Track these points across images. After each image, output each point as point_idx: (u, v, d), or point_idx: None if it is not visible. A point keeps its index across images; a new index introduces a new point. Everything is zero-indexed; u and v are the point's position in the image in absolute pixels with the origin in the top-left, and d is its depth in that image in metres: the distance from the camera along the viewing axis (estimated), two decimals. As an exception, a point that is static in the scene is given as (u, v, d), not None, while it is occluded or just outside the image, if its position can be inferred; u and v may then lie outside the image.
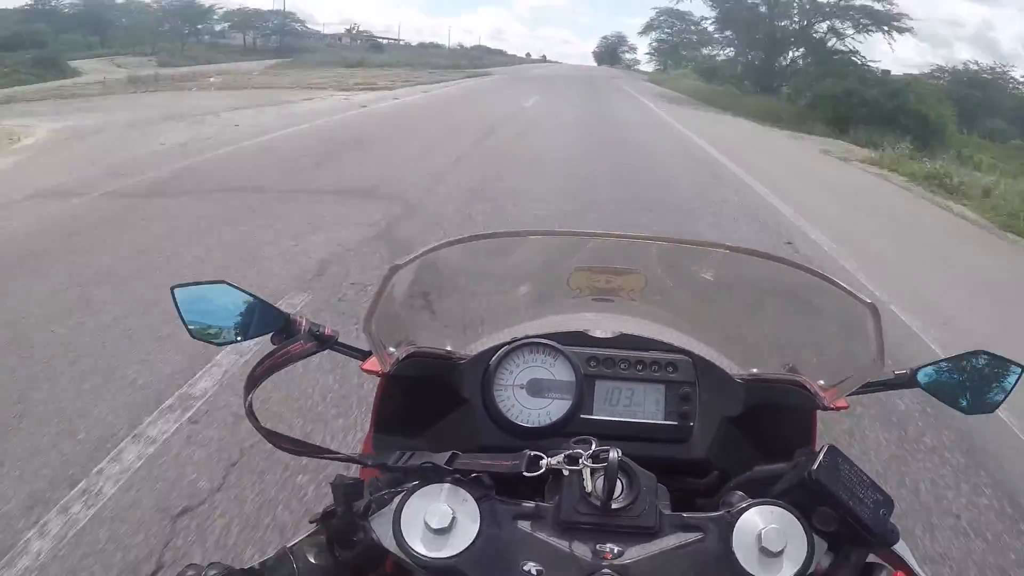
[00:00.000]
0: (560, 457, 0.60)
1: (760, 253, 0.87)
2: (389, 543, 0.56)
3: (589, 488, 0.58)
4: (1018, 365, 0.83)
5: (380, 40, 73.43)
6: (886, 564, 0.61)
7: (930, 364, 0.84)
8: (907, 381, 0.84)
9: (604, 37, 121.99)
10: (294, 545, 0.60)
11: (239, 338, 0.79)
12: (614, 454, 0.58)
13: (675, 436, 0.81)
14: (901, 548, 0.63)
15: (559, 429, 0.78)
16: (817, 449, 0.61)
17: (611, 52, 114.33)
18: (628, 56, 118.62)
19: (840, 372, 0.81)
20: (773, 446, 0.80)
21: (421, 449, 0.65)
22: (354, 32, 76.88)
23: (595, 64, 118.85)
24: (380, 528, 0.58)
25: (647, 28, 41.44)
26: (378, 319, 0.78)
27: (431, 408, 0.84)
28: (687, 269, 0.96)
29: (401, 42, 78.06)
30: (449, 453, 0.61)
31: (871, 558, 0.61)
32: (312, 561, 0.59)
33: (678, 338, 0.89)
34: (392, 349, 0.81)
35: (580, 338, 0.86)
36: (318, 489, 1.96)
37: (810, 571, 0.56)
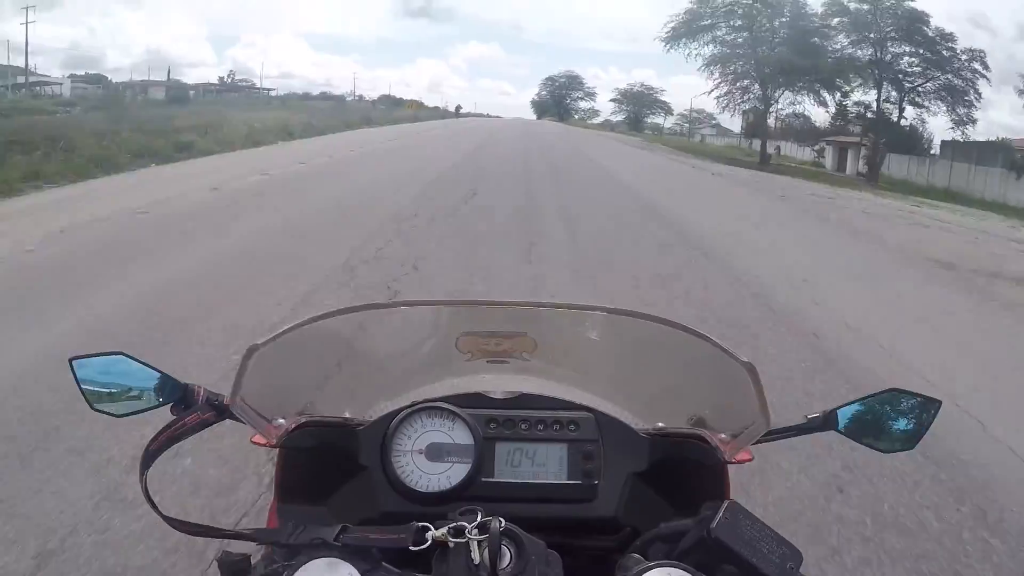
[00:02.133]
0: (445, 529, 0.59)
1: (637, 314, 0.88)
2: None
3: (477, 559, 0.57)
4: (935, 400, 0.85)
5: (260, 88, 60.97)
6: None
7: (844, 406, 0.85)
8: (821, 424, 0.85)
9: (548, 78, 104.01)
10: None
11: (138, 410, 0.80)
12: (496, 524, 0.58)
13: (580, 496, 0.80)
14: None
15: (460, 493, 0.77)
16: (717, 506, 0.61)
17: (557, 100, 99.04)
18: (583, 104, 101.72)
19: (738, 421, 0.82)
20: (684, 500, 0.80)
21: (323, 517, 0.66)
22: (228, 80, 64.42)
23: (534, 117, 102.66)
24: None
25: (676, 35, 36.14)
26: (256, 390, 0.78)
27: (332, 476, 0.83)
28: (572, 331, 0.97)
29: (271, 90, 64.77)
30: (339, 527, 0.60)
31: None
32: None
33: (579, 395, 0.89)
34: (280, 420, 0.80)
35: (479, 399, 0.86)
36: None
37: None
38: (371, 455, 0.80)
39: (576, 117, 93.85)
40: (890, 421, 0.86)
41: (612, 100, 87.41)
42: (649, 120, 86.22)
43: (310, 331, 0.83)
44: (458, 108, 61.66)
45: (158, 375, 0.78)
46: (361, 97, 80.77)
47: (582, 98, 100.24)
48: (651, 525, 0.71)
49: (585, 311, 0.90)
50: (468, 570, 0.57)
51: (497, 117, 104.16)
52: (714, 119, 66.57)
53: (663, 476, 0.83)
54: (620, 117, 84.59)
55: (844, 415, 0.85)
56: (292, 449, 0.82)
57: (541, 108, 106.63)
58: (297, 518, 0.70)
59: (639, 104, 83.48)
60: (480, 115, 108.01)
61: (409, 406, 0.81)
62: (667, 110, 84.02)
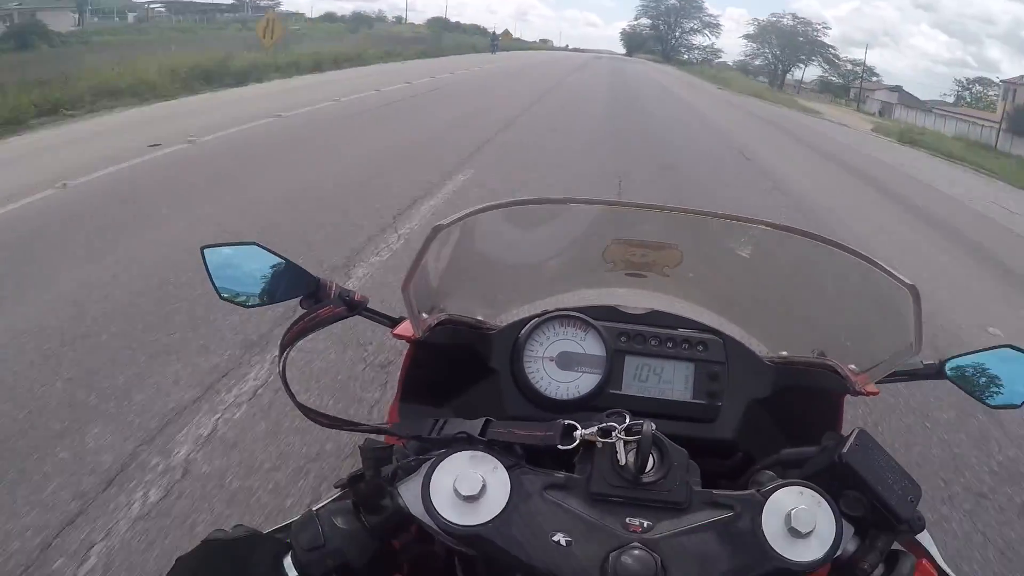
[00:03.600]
0: (594, 429, 0.60)
1: (802, 232, 0.86)
2: (417, 509, 0.57)
3: (623, 461, 0.59)
4: None
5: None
6: (910, 553, 0.61)
7: (958, 356, 0.85)
8: (935, 372, 0.85)
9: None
10: (320, 508, 0.60)
11: (268, 301, 0.79)
12: (648, 427, 0.59)
13: (702, 415, 0.81)
14: (924, 538, 0.64)
15: (587, 403, 0.78)
16: (845, 434, 0.61)
17: (661, 33, 79.71)
18: (698, 40, 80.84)
19: (872, 357, 0.81)
20: (799, 430, 0.80)
21: (446, 416, 0.66)
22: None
23: (623, 52, 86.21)
24: (408, 494, 0.58)
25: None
26: (416, 282, 0.77)
27: (459, 377, 0.84)
28: (725, 245, 0.96)
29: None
30: (483, 421, 0.61)
31: (895, 545, 0.61)
32: (338, 525, 0.59)
33: (709, 317, 0.89)
34: (424, 315, 0.81)
35: (611, 313, 0.86)
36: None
37: (837, 554, 0.56)
38: (502, 359, 0.82)
39: (686, 57, 75.86)
40: (1000, 376, 0.87)
41: (745, 36, 72.35)
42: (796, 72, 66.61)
43: (471, 223, 0.83)
44: (494, 38, 42.37)
45: (291, 266, 0.78)
46: (399, 18, 69.92)
47: (698, 30, 79.96)
48: (764, 452, 0.73)
49: (746, 224, 0.88)
50: (614, 470, 0.59)
51: (575, 51, 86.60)
52: (875, 77, 55.19)
53: (780, 405, 0.84)
54: (757, 61, 67.95)
55: (957, 365, 0.86)
56: (423, 347, 0.83)
57: (634, 42, 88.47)
58: (418, 417, 0.72)
59: (788, 44, 65.57)
60: (544, 47, 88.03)
61: (543, 313, 0.82)
62: (826, 56, 64.09)
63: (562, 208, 0.93)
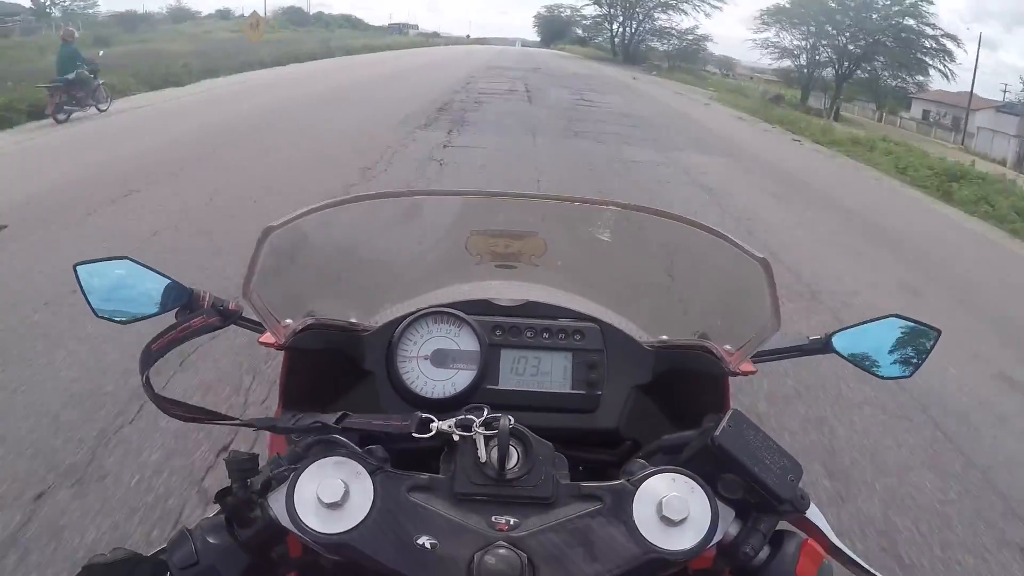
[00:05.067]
0: (451, 422, 0.65)
1: (650, 210, 0.95)
2: (284, 520, 0.61)
3: (483, 458, 0.63)
4: (934, 328, 0.92)
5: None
6: (797, 531, 0.66)
7: (844, 329, 0.93)
8: (822, 347, 0.93)
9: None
10: (194, 526, 0.64)
11: (143, 316, 0.85)
12: (505, 421, 0.63)
13: (583, 406, 0.88)
14: (813, 514, 0.68)
15: (464, 400, 0.85)
16: (720, 417, 0.68)
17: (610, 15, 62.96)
18: (676, 22, 59.94)
19: (743, 335, 0.90)
20: (686, 414, 0.88)
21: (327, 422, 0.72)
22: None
23: (538, 42, 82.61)
24: (276, 505, 0.63)
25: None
26: (267, 288, 0.84)
27: (337, 381, 0.91)
28: (583, 230, 1.04)
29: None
30: (340, 413, 0.67)
31: (782, 525, 0.65)
32: (211, 541, 0.62)
33: (585, 305, 0.97)
34: (288, 321, 0.88)
35: (485, 306, 0.93)
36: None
37: (715, 540, 0.61)
38: (376, 360, 0.88)
39: (656, 47, 59.29)
40: (888, 347, 0.93)
41: (764, 14, 44.26)
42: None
43: (319, 222, 0.89)
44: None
45: (164, 280, 0.85)
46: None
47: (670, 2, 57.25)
48: (651, 439, 0.78)
49: (598, 206, 0.99)
50: (476, 468, 0.63)
51: (477, 43, 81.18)
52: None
53: (664, 390, 0.92)
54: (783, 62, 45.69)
55: (843, 339, 0.93)
56: (298, 352, 0.91)
57: (551, 28, 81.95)
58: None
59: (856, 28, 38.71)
60: (421, 41, 65.24)
61: (415, 312, 0.89)
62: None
63: (418, 204, 1.01)
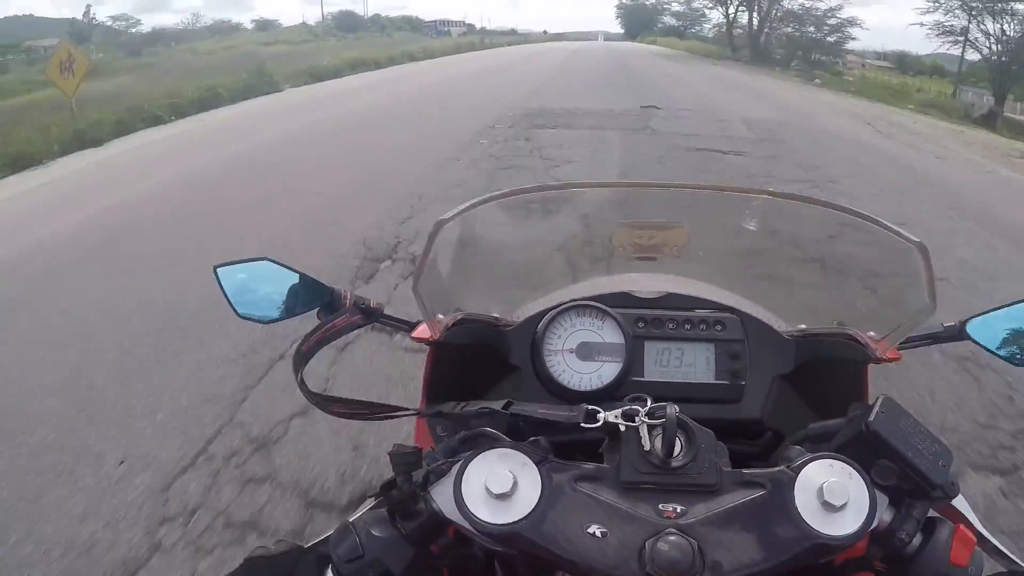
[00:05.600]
0: (617, 412, 0.72)
1: (803, 198, 1.04)
2: (450, 511, 0.69)
3: (647, 447, 0.70)
4: None
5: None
6: (947, 519, 0.72)
7: (978, 316, 1.01)
8: (956, 334, 1.01)
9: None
10: (356, 519, 0.72)
11: (285, 315, 0.98)
12: (671, 410, 0.70)
13: (727, 396, 0.99)
14: (960, 502, 0.75)
15: (611, 392, 0.96)
16: (871, 402, 0.73)
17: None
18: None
19: (890, 321, 0.98)
20: (825, 404, 0.98)
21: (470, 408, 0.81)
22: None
23: (623, 35, 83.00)
24: (441, 497, 0.70)
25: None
26: (426, 282, 0.94)
27: (481, 375, 1.03)
28: (730, 219, 1.14)
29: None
30: (505, 400, 0.75)
31: (931, 513, 0.71)
32: (375, 534, 0.70)
33: (724, 296, 1.09)
34: (440, 316, 1.00)
35: (626, 299, 1.05)
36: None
37: (872, 526, 0.66)
38: (522, 355, 1.00)
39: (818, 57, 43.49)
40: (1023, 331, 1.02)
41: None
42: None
43: (471, 217, 1.00)
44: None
45: (305, 278, 0.98)
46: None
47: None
48: (792, 429, 0.87)
49: (750, 195, 1.08)
50: (642, 457, 0.70)
51: (555, 39, 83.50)
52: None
53: (804, 380, 1.01)
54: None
55: (978, 324, 1.01)
56: (443, 348, 1.02)
57: (637, 18, 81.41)
58: (445, 419, 0.86)
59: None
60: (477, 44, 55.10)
61: (558, 305, 1.01)
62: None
63: (565, 197, 1.14)
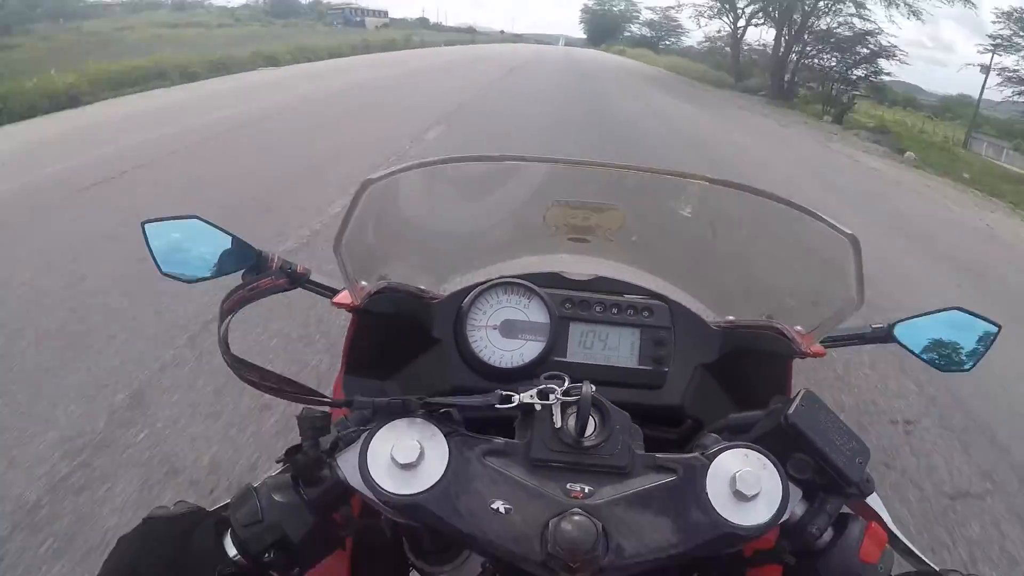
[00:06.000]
0: (532, 392, 0.79)
1: (740, 185, 1.12)
2: (355, 480, 0.75)
3: (559, 424, 0.77)
4: (994, 324, 1.14)
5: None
6: (860, 515, 0.79)
7: (906, 320, 1.15)
8: (884, 336, 1.15)
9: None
10: (260, 484, 0.77)
11: (210, 275, 1.05)
12: (587, 389, 0.77)
13: (649, 381, 1.08)
14: (874, 500, 0.89)
15: (531, 371, 1.04)
16: (793, 396, 0.80)
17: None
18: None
19: (817, 316, 1.09)
20: (748, 395, 1.08)
21: (392, 390, 0.93)
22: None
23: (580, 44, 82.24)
24: (346, 466, 0.76)
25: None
26: (349, 245, 1.01)
27: (403, 347, 1.11)
28: (665, 204, 1.24)
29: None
30: (422, 395, 0.79)
31: (844, 508, 0.78)
32: (276, 499, 0.76)
33: (654, 282, 1.19)
34: (363, 283, 1.08)
35: (555, 279, 1.15)
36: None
37: (784, 518, 0.74)
38: (445, 328, 1.09)
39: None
40: (949, 339, 1.14)
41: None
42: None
43: (403, 184, 1.08)
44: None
45: (232, 239, 1.06)
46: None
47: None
48: (713, 417, 0.94)
49: (686, 179, 1.17)
50: (554, 435, 0.77)
51: (513, 40, 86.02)
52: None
53: (728, 370, 1.11)
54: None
55: (905, 329, 1.14)
56: (366, 317, 1.10)
57: (601, 25, 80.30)
58: (364, 389, 0.96)
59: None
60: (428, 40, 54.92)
61: (486, 281, 1.09)
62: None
63: (500, 170, 1.21)
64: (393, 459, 0.72)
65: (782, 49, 35.15)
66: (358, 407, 0.79)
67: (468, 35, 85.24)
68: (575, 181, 1.26)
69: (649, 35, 73.57)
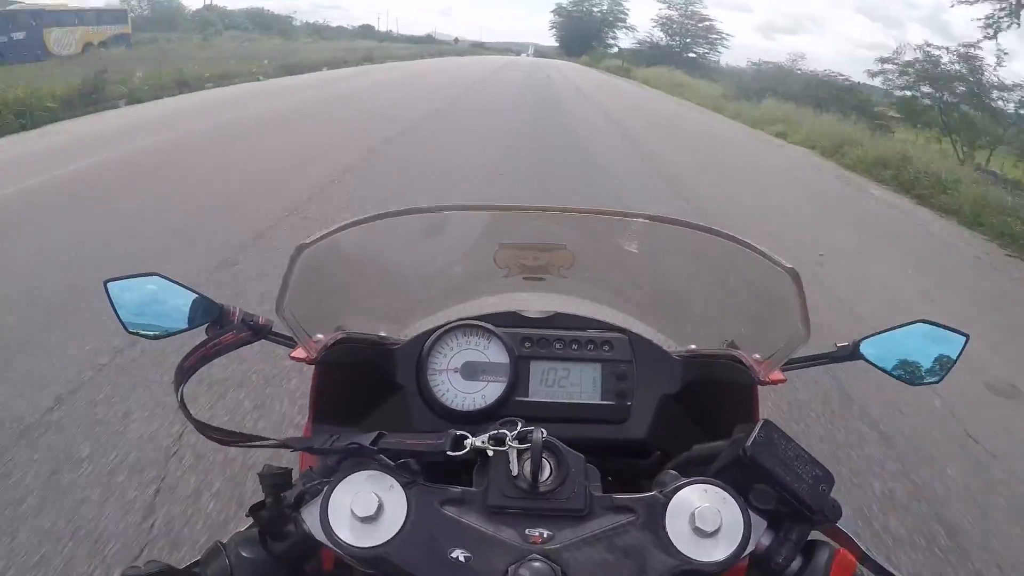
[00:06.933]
0: (485, 438, 0.80)
1: (680, 222, 1.17)
2: (319, 533, 0.75)
3: (516, 471, 0.77)
4: (961, 334, 1.15)
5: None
6: (829, 541, 0.80)
7: (872, 336, 1.15)
8: (850, 354, 1.15)
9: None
10: (228, 540, 0.78)
11: (174, 331, 1.07)
12: (538, 434, 0.78)
13: (613, 416, 1.10)
14: (844, 524, 0.82)
15: (494, 412, 1.05)
16: (752, 427, 0.81)
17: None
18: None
19: (773, 344, 1.11)
20: (715, 424, 1.07)
21: (357, 436, 0.92)
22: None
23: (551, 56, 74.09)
24: (310, 519, 0.77)
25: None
26: (298, 304, 1.04)
27: (367, 395, 1.13)
28: (611, 242, 1.27)
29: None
30: (375, 433, 0.81)
31: (814, 535, 0.79)
32: (244, 555, 0.77)
33: (613, 315, 1.21)
34: (319, 336, 1.10)
35: (514, 318, 1.17)
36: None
37: (748, 551, 0.74)
38: (407, 374, 1.10)
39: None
40: (916, 353, 1.15)
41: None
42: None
43: (348, 238, 1.12)
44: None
45: (194, 295, 1.07)
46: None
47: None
48: (681, 449, 0.96)
49: (628, 218, 1.20)
50: (508, 481, 0.77)
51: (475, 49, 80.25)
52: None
53: (694, 400, 1.12)
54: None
55: (871, 346, 1.15)
56: (328, 367, 1.13)
57: (574, 33, 71.61)
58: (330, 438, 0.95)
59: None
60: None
61: (444, 324, 1.11)
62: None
63: (440, 218, 1.23)
64: (353, 512, 0.73)
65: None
66: (298, 448, 0.84)
67: (416, 48, 63.13)
68: (519, 223, 1.28)
69: (665, 43, 55.75)
